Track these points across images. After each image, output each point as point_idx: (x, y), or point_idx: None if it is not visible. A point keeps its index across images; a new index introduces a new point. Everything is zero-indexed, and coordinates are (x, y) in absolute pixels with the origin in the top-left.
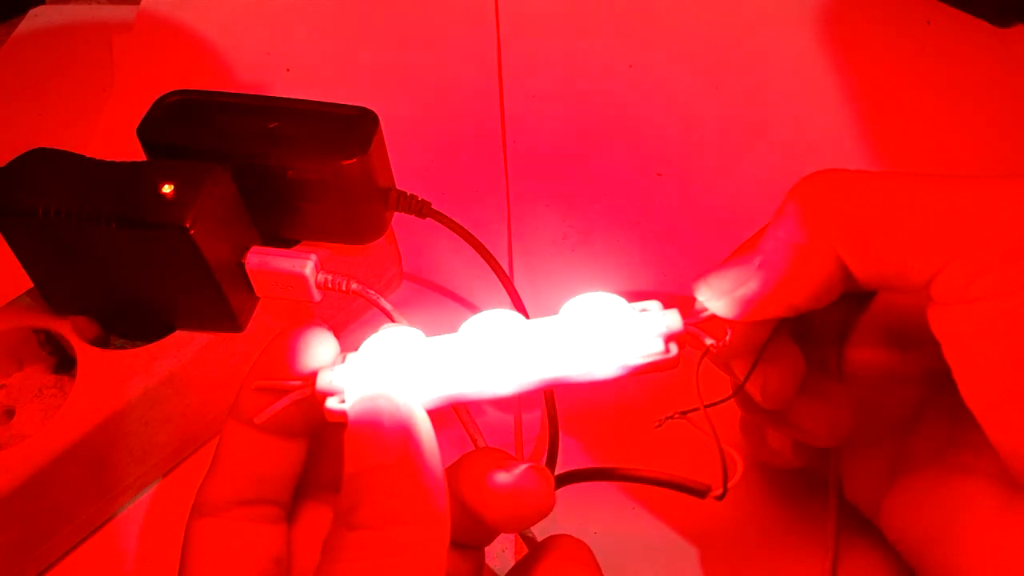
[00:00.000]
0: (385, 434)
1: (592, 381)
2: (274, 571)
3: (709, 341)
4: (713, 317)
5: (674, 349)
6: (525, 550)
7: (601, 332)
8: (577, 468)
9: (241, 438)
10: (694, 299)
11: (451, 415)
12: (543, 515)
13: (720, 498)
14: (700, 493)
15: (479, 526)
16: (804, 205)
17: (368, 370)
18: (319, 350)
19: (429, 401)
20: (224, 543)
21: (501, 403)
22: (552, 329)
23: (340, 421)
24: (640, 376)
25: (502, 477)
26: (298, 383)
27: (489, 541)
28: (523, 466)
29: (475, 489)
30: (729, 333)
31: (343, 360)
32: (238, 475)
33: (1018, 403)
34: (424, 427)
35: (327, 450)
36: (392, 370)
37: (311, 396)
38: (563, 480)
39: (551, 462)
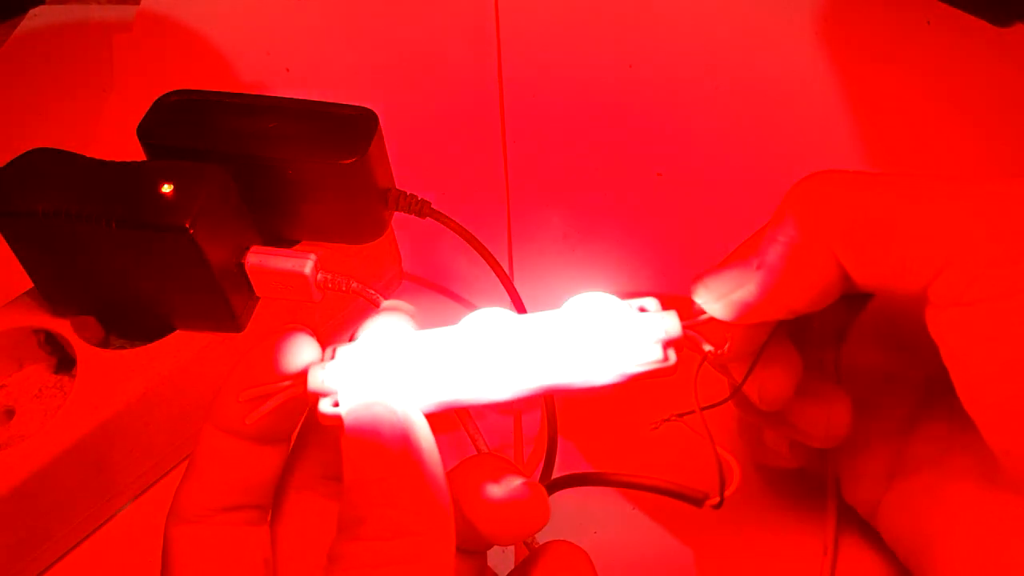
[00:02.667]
0: (385, 444)
1: (590, 387)
2: (261, 573)
3: (708, 348)
4: (712, 320)
5: (672, 356)
6: (525, 552)
7: (600, 339)
8: (575, 472)
9: (220, 445)
10: (692, 301)
11: (451, 416)
12: (535, 532)
13: (717, 507)
14: (697, 502)
15: (476, 534)
16: (802, 207)
17: (362, 372)
18: (303, 352)
19: (426, 406)
20: (207, 549)
21: (500, 405)
22: (550, 332)
23: (334, 424)
24: (638, 382)
25: (495, 491)
26: (286, 384)
27: (488, 547)
28: (516, 481)
29: (469, 501)
30: (729, 342)
31: (333, 356)
32: (217, 483)
33: (1015, 406)
34: (424, 434)
35: (306, 445)
36: (387, 372)
37: (301, 395)
38: (560, 484)
39: (549, 464)
